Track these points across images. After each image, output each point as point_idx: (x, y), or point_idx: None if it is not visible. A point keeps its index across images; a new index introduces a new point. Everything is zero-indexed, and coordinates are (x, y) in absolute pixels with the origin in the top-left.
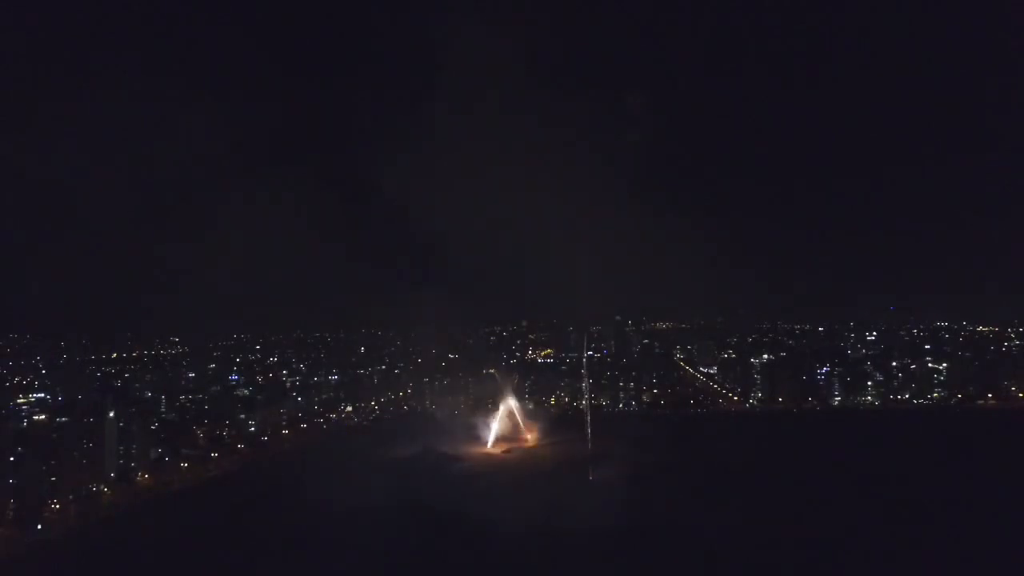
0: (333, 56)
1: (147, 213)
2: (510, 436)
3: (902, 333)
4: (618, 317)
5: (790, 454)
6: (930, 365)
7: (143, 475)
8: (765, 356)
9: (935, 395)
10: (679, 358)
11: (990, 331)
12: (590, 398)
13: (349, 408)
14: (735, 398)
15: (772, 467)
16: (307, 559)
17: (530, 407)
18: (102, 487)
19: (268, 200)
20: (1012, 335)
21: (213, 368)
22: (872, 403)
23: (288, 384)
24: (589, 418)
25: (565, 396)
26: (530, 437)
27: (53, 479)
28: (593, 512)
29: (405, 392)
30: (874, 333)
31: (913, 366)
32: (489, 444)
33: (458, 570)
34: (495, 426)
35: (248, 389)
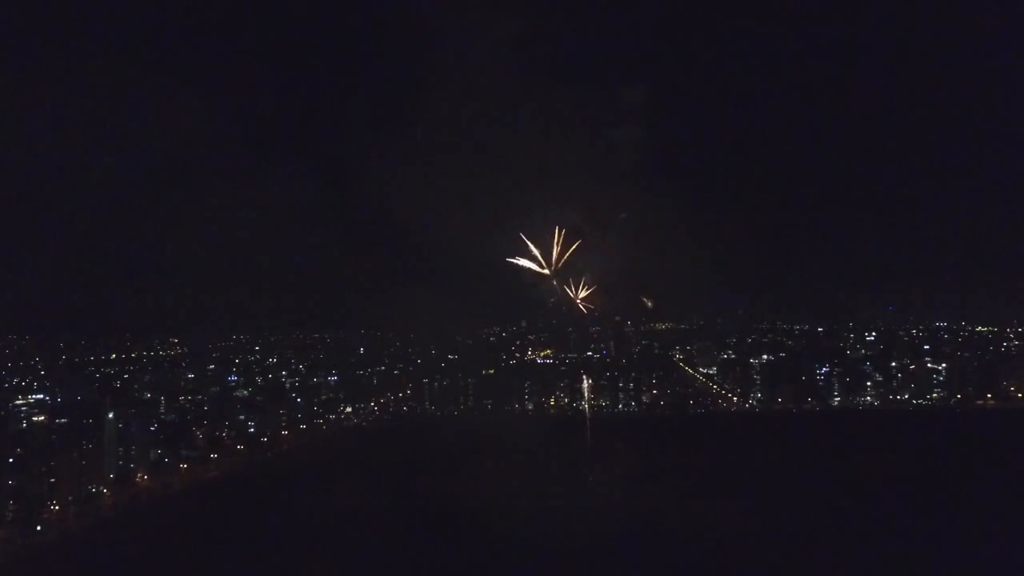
0: (331, 53)
1: (147, 213)
2: None
3: (901, 333)
4: (617, 318)
5: (790, 454)
6: (929, 365)
7: (143, 476)
8: (764, 356)
9: (934, 395)
10: (678, 359)
11: (990, 331)
12: (590, 399)
13: (348, 409)
14: (735, 399)
15: (772, 467)
16: (307, 559)
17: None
18: (101, 488)
19: (268, 199)
20: (1012, 335)
21: (212, 369)
22: (872, 403)
23: (287, 385)
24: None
25: (564, 397)
26: None
27: (52, 480)
28: (592, 513)
29: (405, 393)
30: (874, 333)
31: (912, 366)
32: None
33: (456, 569)
34: None
35: (247, 390)
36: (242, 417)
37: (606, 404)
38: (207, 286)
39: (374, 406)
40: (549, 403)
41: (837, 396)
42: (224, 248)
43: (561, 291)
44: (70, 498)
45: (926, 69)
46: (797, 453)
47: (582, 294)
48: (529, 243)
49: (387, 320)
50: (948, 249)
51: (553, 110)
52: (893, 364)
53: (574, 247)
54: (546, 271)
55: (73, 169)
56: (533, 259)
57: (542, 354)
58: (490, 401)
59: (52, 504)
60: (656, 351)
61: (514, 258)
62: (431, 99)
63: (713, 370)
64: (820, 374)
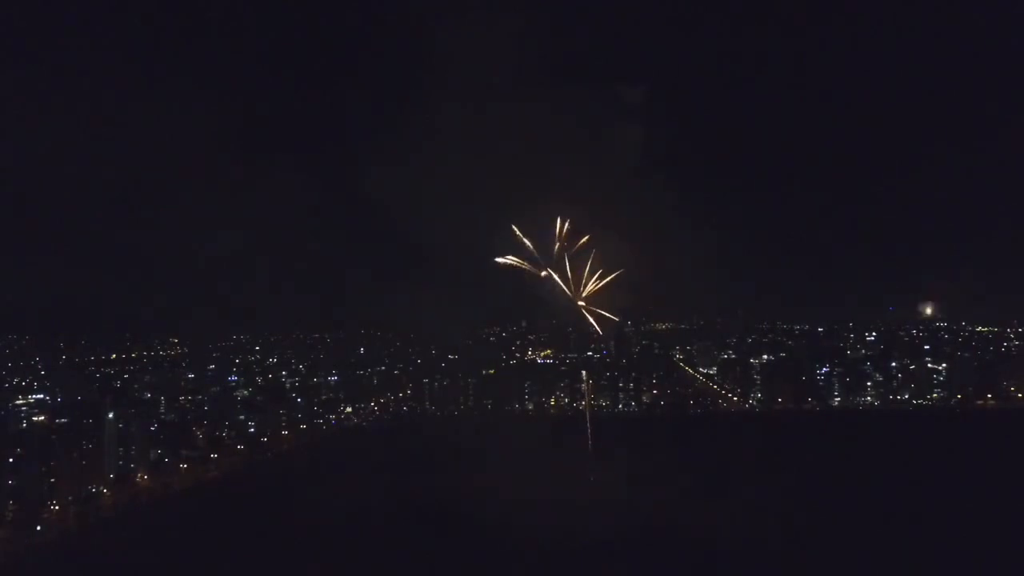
0: (331, 54)
1: (148, 213)
2: None
3: (901, 333)
4: (617, 318)
5: (790, 454)
6: (930, 365)
7: (143, 476)
8: (765, 356)
9: (934, 395)
10: (678, 359)
11: (990, 331)
12: (590, 399)
13: (348, 409)
14: (735, 399)
15: (772, 467)
16: (307, 560)
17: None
18: (102, 488)
19: (267, 200)
20: (1012, 335)
21: (212, 369)
22: (872, 403)
23: (287, 385)
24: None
25: (564, 397)
26: None
27: (52, 480)
28: (593, 513)
29: (405, 393)
30: (874, 333)
31: (912, 366)
32: None
33: (457, 569)
34: None
35: (247, 390)
36: (242, 417)
37: (606, 404)
38: (207, 286)
39: (374, 406)
40: (549, 403)
41: (837, 396)
42: (225, 248)
43: (561, 293)
44: (70, 498)
45: (926, 70)
46: (797, 453)
47: (587, 290)
48: (528, 243)
49: (387, 320)
50: (948, 249)
51: (554, 110)
52: (893, 364)
53: (578, 245)
54: (544, 272)
55: (74, 169)
56: (533, 260)
57: (542, 354)
58: (490, 401)
59: (52, 504)
60: (656, 351)
61: (504, 258)
62: (431, 100)
63: (713, 370)
64: (820, 374)
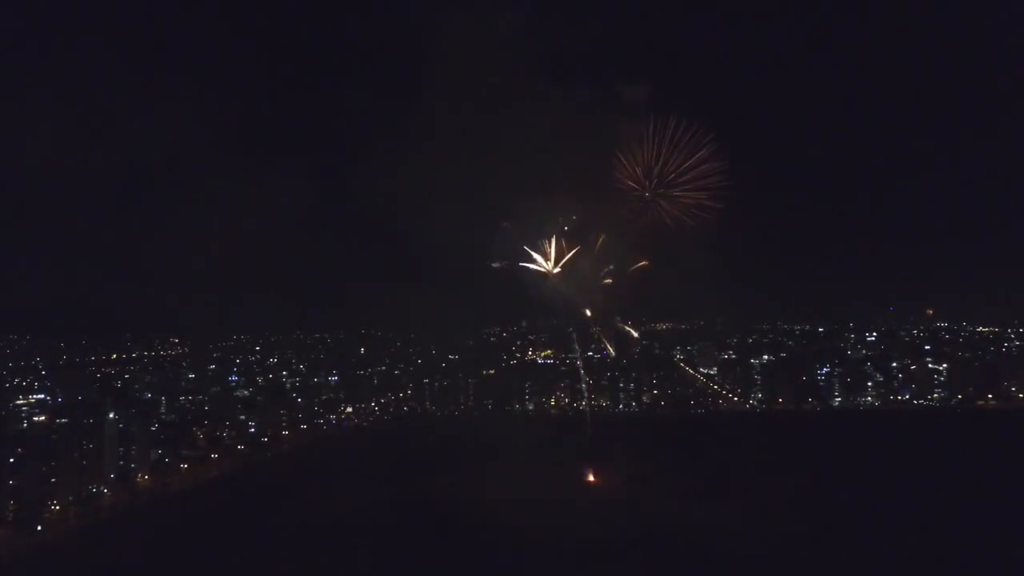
0: (330, 54)
1: (147, 213)
2: None
3: (902, 333)
4: (618, 318)
5: (790, 454)
6: (930, 366)
7: (143, 476)
8: (765, 357)
9: (935, 396)
10: (679, 359)
11: (990, 331)
12: (590, 399)
13: (348, 409)
14: (735, 399)
15: (772, 467)
16: (307, 559)
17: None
18: (102, 488)
19: (268, 200)
20: (1012, 335)
21: (213, 369)
22: (872, 403)
23: (287, 385)
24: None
25: (564, 397)
26: None
27: (53, 480)
28: (592, 513)
29: (405, 393)
30: (874, 333)
31: (913, 367)
32: None
33: (457, 569)
34: None
35: (248, 390)
36: (242, 417)
37: (606, 404)
38: (207, 286)
39: (374, 406)
40: (549, 403)
41: (837, 396)
42: (225, 248)
43: (562, 293)
44: (70, 498)
45: (926, 70)
46: (797, 453)
47: (601, 285)
48: (524, 243)
49: (387, 320)
50: (948, 250)
51: (553, 109)
52: (894, 364)
53: (576, 249)
54: (546, 274)
55: (73, 169)
56: (532, 260)
57: (542, 354)
58: (490, 401)
59: (52, 504)
60: (656, 351)
61: (501, 262)
62: (432, 100)
63: (713, 370)
64: (820, 374)
